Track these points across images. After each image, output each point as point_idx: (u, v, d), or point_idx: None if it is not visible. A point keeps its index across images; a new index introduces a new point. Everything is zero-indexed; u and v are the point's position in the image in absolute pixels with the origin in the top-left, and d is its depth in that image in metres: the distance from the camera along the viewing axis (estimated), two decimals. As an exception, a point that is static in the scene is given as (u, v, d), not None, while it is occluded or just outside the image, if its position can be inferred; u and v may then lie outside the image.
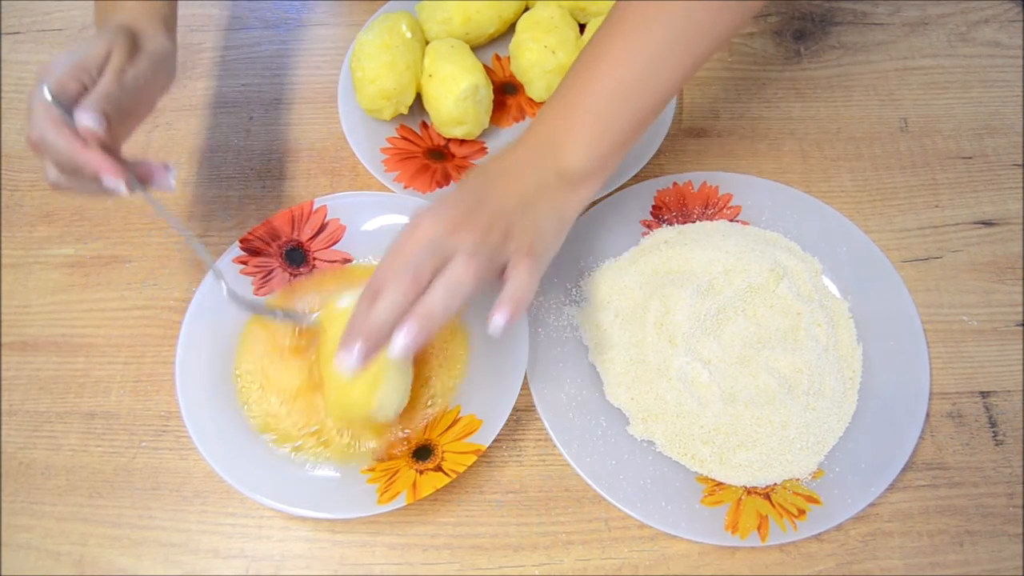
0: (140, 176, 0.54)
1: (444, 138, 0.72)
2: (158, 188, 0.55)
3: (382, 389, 0.55)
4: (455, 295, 0.49)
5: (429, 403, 0.60)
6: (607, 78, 0.54)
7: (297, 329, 0.62)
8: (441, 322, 0.48)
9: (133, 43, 0.56)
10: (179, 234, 0.57)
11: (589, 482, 0.57)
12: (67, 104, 0.52)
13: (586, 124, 0.54)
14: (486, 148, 0.72)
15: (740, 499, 0.57)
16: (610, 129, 0.55)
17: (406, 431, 0.59)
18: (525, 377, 0.60)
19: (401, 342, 0.48)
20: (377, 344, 0.48)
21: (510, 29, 0.75)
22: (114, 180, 0.51)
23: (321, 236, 0.66)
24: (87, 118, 0.50)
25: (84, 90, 0.52)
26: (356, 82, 0.70)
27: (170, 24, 0.61)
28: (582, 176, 0.55)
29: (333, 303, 0.59)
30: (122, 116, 0.53)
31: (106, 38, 0.55)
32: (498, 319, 0.50)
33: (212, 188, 0.72)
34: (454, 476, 0.55)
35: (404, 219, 0.65)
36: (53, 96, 0.51)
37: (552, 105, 0.56)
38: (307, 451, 0.58)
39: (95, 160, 0.51)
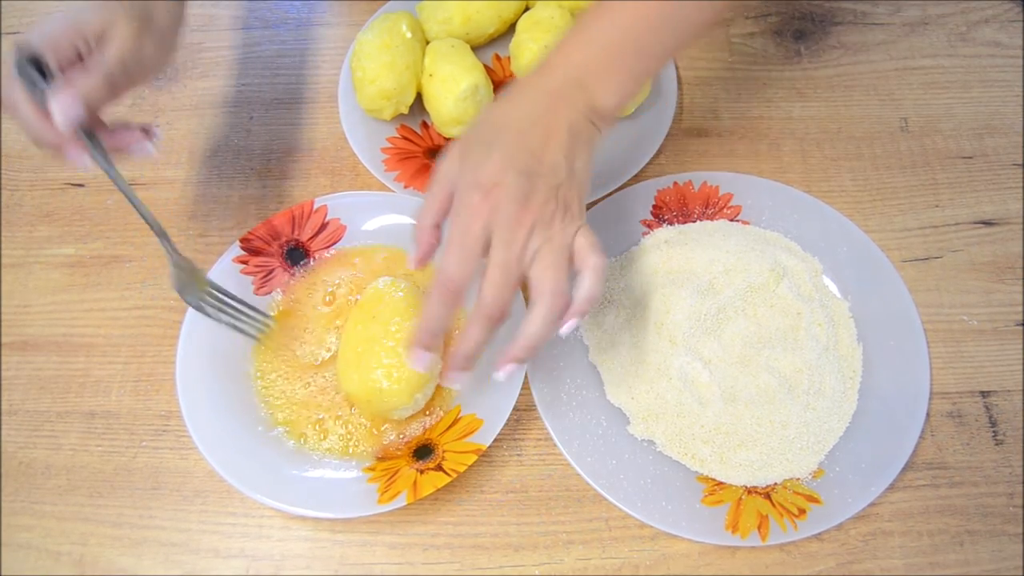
0: (115, 145, 0.53)
1: (444, 138, 0.72)
2: (137, 155, 0.54)
3: (422, 391, 0.57)
4: (554, 314, 0.49)
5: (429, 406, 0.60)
6: (641, 8, 0.52)
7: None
8: (544, 342, 0.50)
9: (144, 20, 0.52)
10: (135, 207, 0.56)
11: (589, 482, 0.57)
12: (58, 64, 0.50)
13: (621, 58, 0.52)
14: (486, 148, 0.72)
15: (740, 499, 0.57)
16: (642, 63, 0.53)
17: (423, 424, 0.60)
18: (525, 377, 0.60)
19: (508, 374, 0.51)
20: (468, 363, 0.51)
21: (510, 29, 0.75)
22: (76, 155, 0.51)
23: (321, 236, 0.66)
24: (60, 109, 0.49)
25: (78, 58, 0.50)
26: (356, 82, 0.70)
27: None
28: (612, 113, 0.53)
29: (374, 285, 0.60)
30: (114, 89, 0.52)
31: (110, 7, 0.51)
32: (572, 325, 0.51)
33: (212, 188, 0.72)
34: (454, 476, 0.55)
35: (404, 219, 0.66)
36: (37, 54, 0.49)
37: (575, 40, 0.53)
38: (312, 442, 0.59)
39: (57, 136, 0.51)
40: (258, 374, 0.61)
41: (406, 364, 0.55)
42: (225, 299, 0.60)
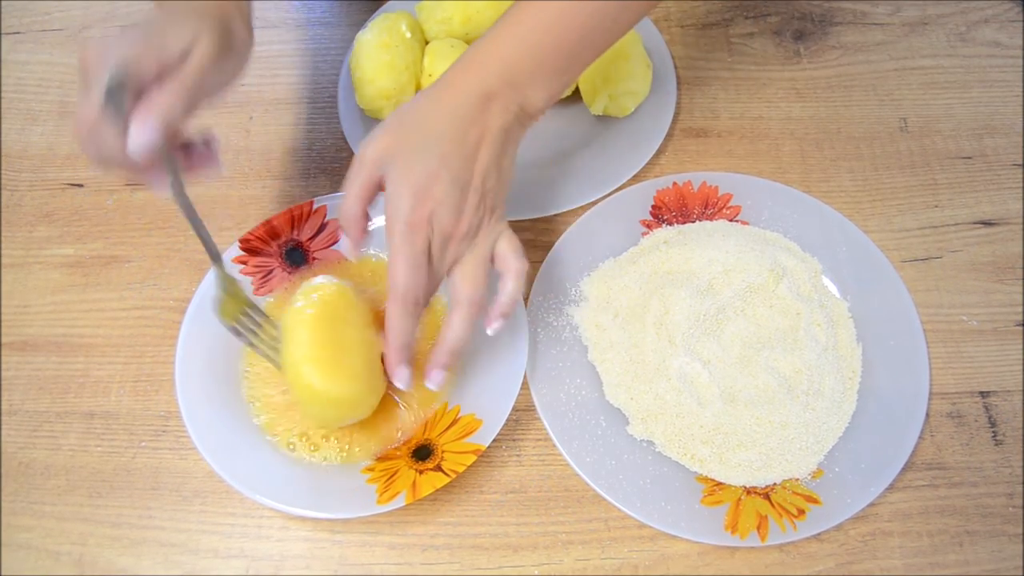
0: (188, 165, 0.52)
1: (444, 138, 0.72)
2: (208, 175, 0.53)
3: (361, 397, 0.56)
4: (471, 320, 0.53)
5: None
6: (570, 8, 0.51)
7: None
8: (465, 346, 0.53)
9: (225, 38, 0.50)
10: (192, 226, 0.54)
11: (589, 482, 0.57)
12: (135, 85, 0.47)
13: (553, 59, 0.52)
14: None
15: (740, 499, 0.57)
16: (573, 63, 0.53)
17: (401, 435, 0.59)
18: (525, 377, 0.60)
19: (437, 382, 0.54)
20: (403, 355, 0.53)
21: (510, 29, 0.75)
22: (157, 183, 0.51)
23: (321, 236, 0.66)
24: (135, 136, 0.46)
25: (157, 77, 0.47)
26: (356, 82, 0.70)
27: (248, 14, 0.56)
28: (540, 111, 0.54)
29: (291, 305, 0.56)
30: (193, 108, 0.50)
31: (193, 25, 0.49)
32: (497, 326, 0.54)
33: (212, 188, 0.72)
34: (454, 476, 0.55)
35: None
36: (119, 76, 0.46)
37: (504, 38, 0.52)
38: (302, 451, 0.58)
39: (135, 171, 0.50)
40: (246, 371, 0.61)
41: (393, 381, 0.54)
42: (262, 324, 0.58)
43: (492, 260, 0.54)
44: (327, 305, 0.55)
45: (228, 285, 0.57)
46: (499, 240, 0.54)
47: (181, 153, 0.53)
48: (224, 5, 0.52)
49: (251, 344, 0.58)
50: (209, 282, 0.63)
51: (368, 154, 0.52)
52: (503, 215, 0.54)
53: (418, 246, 0.50)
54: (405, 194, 0.50)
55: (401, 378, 0.53)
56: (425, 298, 0.52)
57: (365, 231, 0.54)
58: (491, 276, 0.54)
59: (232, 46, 0.51)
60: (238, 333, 0.58)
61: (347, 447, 0.59)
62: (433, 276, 0.52)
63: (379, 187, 0.52)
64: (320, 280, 0.57)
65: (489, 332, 0.54)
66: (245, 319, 0.58)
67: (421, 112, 0.52)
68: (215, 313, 0.57)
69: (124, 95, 0.46)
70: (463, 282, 0.52)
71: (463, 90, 0.52)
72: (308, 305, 0.55)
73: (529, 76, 0.52)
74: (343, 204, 0.53)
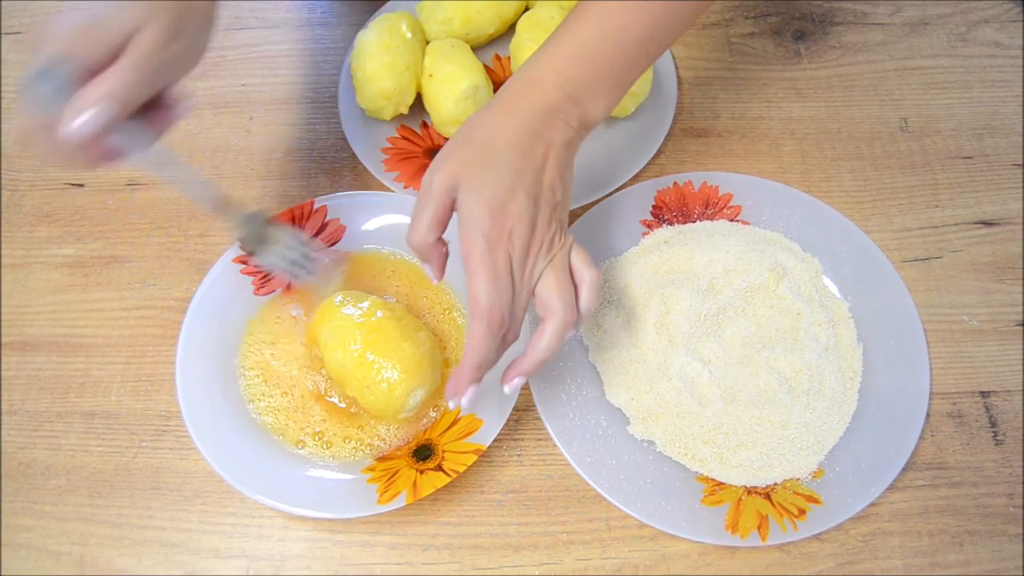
0: (157, 123, 0.49)
1: (444, 138, 0.72)
2: (177, 118, 0.50)
3: (418, 388, 0.57)
4: (564, 333, 0.51)
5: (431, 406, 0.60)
6: (629, 16, 0.52)
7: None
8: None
9: (178, 19, 0.48)
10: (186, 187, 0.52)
11: (589, 482, 0.57)
12: (83, 71, 0.45)
13: (612, 71, 0.52)
14: (486, 148, 0.72)
15: (740, 499, 0.57)
16: (631, 74, 0.53)
17: (435, 413, 0.60)
18: (525, 377, 0.60)
19: (514, 388, 0.52)
20: (478, 375, 0.51)
21: (510, 29, 0.75)
22: (112, 163, 0.48)
23: (321, 236, 0.66)
24: (77, 128, 0.44)
25: (102, 62, 0.45)
26: (356, 82, 0.70)
27: None
28: (598, 123, 0.54)
29: (331, 300, 0.60)
30: (147, 90, 0.47)
31: (144, 5, 0.46)
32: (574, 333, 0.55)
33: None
34: (454, 476, 0.55)
35: (404, 219, 0.65)
36: (56, 63, 0.44)
37: (563, 51, 0.52)
38: (309, 448, 0.58)
39: (86, 161, 0.47)
40: (246, 371, 0.61)
41: (451, 405, 0.52)
42: (300, 249, 0.58)
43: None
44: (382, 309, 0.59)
45: (255, 216, 0.56)
46: (571, 252, 0.53)
47: (148, 121, 0.49)
48: None
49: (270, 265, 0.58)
50: (209, 282, 0.63)
51: (437, 181, 0.50)
52: (567, 228, 0.53)
53: (500, 262, 0.49)
54: (482, 212, 0.49)
55: (468, 399, 0.51)
56: (512, 317, 0.50)
57: (446, 256, 0.53)
58: None
59: (185, 27, 0.49)
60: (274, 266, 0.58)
61: (353, 444, 0.59)
62: (517, 296, 0.50)
63: (451, 212, 0.51)
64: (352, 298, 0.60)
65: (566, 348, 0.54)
66: (282, 249, 0.57)
67: (485, 132, 0.51)
68: (246, 249, 0.57)
69: (59, 78, 0.44)
70: (551, 295, 0.51)
71: (525, 106, 0.51)
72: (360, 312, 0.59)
73: (589, 89, 0.52)
74: (415, 234, 0.51)
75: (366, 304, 0.59)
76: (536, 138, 0.50)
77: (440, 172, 0.50)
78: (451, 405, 0.51)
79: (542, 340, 0.51)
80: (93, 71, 0.45)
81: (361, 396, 0.58)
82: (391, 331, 0.58)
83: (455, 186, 0.50)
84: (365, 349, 0.57)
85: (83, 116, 0.44)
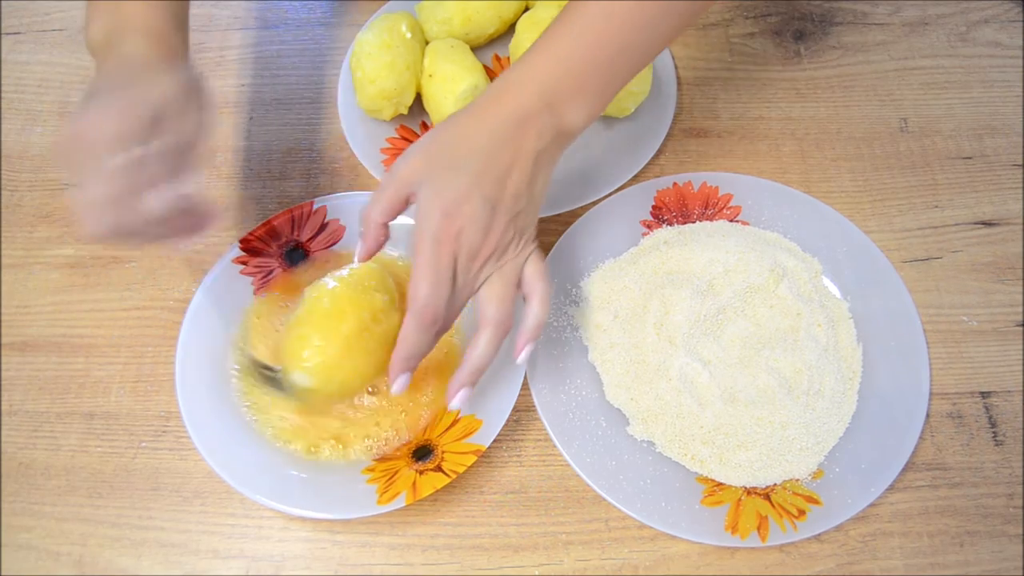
0: (190, 226, 0.51)
1: (444, 138, 0.72)
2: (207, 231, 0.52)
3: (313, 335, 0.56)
4: (497, 341, 0.52)
5: (426, 404, 0.60)
6: (612, 24, 0.50)
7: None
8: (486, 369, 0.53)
9: (198, 89, 0.51)
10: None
11: (589, 482, 0.57)
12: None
13: (592, 79, 0.52)
14: (486, 148, 0.72)
15: (740, 499, 0.57)
16: (612, 83, 0.53)
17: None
18: (525, 377, 0.60)
19: (460, 400, 0.53)
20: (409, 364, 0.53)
21: (510, 29, 0.75)
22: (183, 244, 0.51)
23: (321, 236, 0.66)
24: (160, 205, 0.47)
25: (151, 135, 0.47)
26: (356, 82, 0.70)
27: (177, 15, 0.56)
28: (578, 132, 0.53)
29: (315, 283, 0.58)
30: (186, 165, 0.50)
31: (171, 79, 0.49)
32: (526, 353, 0.54)
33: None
34: (454, 476, 0.55)
35: (405, 220, 0.65)
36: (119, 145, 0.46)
37: (543, 58, 0.51)
38: (303, 450, 0.58)
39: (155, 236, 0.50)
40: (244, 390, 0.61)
41: (392, 391, 0.53)
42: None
43: (519, 283, 0.53)
44: (348, 284, 0.56)
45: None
46: (527, 263, 0.53)
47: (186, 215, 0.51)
48: (150, 23, 0.52)
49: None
50: (209, 282, 0.63)
51: (400, 170, 0.51)
52: (533, 238, 0.54)
53: (443, 262, 0.49)
54: (435, 210, 0.49)
55: (399, 386, 0.53)
56: (445, 317, 0.51)
57: (381, 243, 0.53)
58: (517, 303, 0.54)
59: (202, 92, 0.51)
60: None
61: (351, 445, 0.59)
62: (457, 295, 0.51)
63: (406, 203, 0.52)
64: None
65: (518, 361, 0.54)
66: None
67: (456, 133, 0.51)
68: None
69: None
70: (489, 302, 0.52)
71: (499, 113, 0.51)
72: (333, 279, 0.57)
73: (568, 97, 0.51)
74: (367, 210, 0.52)
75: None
76: (505, 144, 0.50)
77: (404, 163, 0.51)
78: (392, 391, 0.52)
79: (476, 349, 0.52)
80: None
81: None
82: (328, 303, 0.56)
83: (417, 181, 0.50)
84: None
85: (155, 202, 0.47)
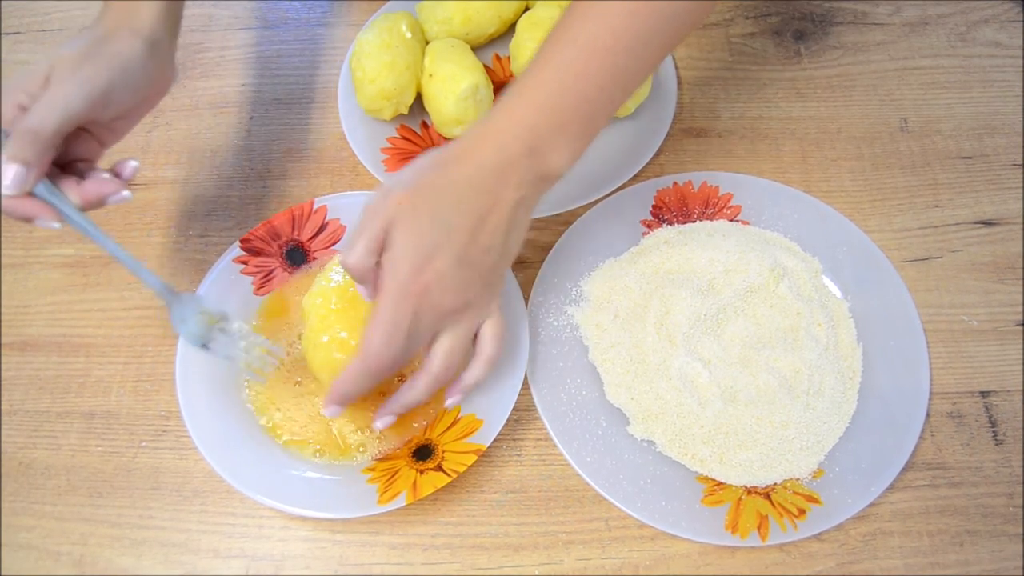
0: (87, 198, 0.52)
1: (444, 138, 0.72)
2: (113, 203, 0.53)
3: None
4: (432, 390, 0.54)
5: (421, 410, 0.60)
6: (591, 65, 0.49)
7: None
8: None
9: (87, 56, 0.51)
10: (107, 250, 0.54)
11: (589, 482, 0.57)
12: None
13: (573, 121, 0.50)
14: (486, 148, 0.72)
15: (740, 499, 0.57)
16: (593, 123, 0.52)
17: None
18: (525, 377, 0.60)
19: (384, 424, 0.56)
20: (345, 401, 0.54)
21: (510, 29, 0.75)
22: (46, 222, 0.51)
23: (321, 236, 0.66)
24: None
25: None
26: (356, 82, 0.70)
27: (164, 26, 0.56)
28: (562, 174, 0.52)
29: (312, 291, 0.58)
30: (92, 129, 0.52)
31: (46, 61, 0.51)
32: (454, 401, 0.56)
33: (212, 188, 0.72)
34: (454, 476, 0.55)
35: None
36: None
37: (524, 101, 0.50)
38: (308, 449, 0.58)
39: (19, 208, 0.50)
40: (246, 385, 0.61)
41: (325, 413, 0.54)
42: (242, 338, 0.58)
43: (475, 339, 0.54)
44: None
45: (191, 301, 0.57)
46: (485, 323, 0.54)
47: (78, 186, 0.52)
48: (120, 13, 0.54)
49: (227, 358, 0.58)
50: (209, 282, 0.63)
51: (379, 209, 0.50)
52: (496, 293, 0.54)
53: (402, 316, 0.49)
54: (405, 261, 0.49)
55: (330, 413, 0.54)
56: (392, 368, 0.51)
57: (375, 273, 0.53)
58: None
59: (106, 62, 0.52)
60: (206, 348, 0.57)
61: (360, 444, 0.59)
62: (409, 346, 0.50)
63: (383, 244, 0.51)
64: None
65: (447, 404, 0.56)
66: (222, 336, 0.57)
67: (437, 178, 0.50)
68: (186, 339, 0.57)
69: None
70: (438, 358, 0.52)
71: (480, 160, 0.50)
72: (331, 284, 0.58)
73: (550, 140, 0.50)
74: (351, 256, 0.50)
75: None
76: (482, 195, 0.50)
77: (383, 202, 0.50)
78: (326, 413, 0.54)
79: (411, 390, 0.54)
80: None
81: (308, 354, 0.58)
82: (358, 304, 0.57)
83: (394, 221, 0.49)
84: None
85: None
